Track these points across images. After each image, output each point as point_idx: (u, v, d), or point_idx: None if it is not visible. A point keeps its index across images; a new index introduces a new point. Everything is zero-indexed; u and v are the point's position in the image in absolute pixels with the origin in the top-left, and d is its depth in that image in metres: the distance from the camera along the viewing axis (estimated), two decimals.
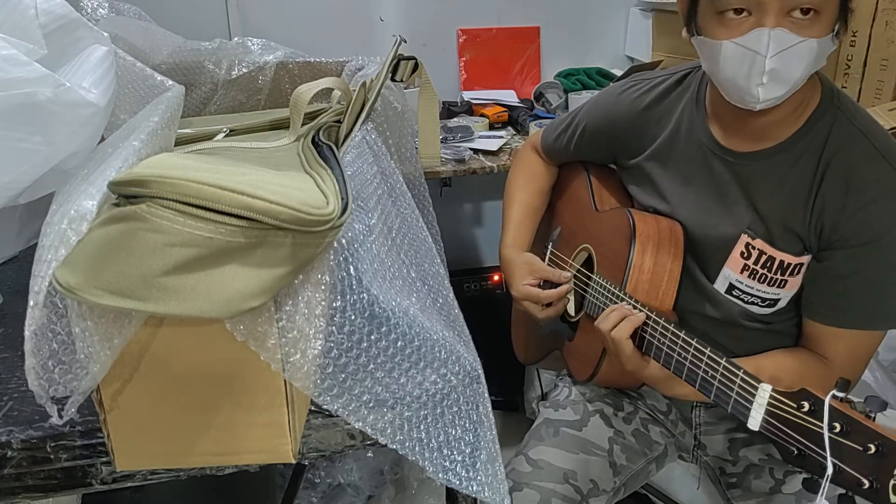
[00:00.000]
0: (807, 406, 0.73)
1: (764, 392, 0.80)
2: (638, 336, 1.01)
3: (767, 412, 0.79)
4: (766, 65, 0.89)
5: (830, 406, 0.71)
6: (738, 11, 0.91)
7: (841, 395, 0.71)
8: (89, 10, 1.18)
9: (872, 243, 0.96)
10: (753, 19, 0.90)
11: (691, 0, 0.99)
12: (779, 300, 1.05)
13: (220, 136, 0.88)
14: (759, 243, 1.04)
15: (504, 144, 1.99)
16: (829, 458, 0.69)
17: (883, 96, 1.65)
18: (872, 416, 0.69)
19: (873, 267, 0.98)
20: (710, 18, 0.94)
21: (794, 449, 0.75)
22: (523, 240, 1.38)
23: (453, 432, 0.73)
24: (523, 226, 1.39)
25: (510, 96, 2.29)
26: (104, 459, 0.71)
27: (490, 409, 0.76)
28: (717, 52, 0.93)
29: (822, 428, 0.70)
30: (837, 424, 0.70)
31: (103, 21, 1.16)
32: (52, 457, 0.70)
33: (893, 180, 0.95)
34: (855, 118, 1.00)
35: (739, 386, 0.83)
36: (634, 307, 1.03)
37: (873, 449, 0.66)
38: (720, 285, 1.09)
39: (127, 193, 0.55)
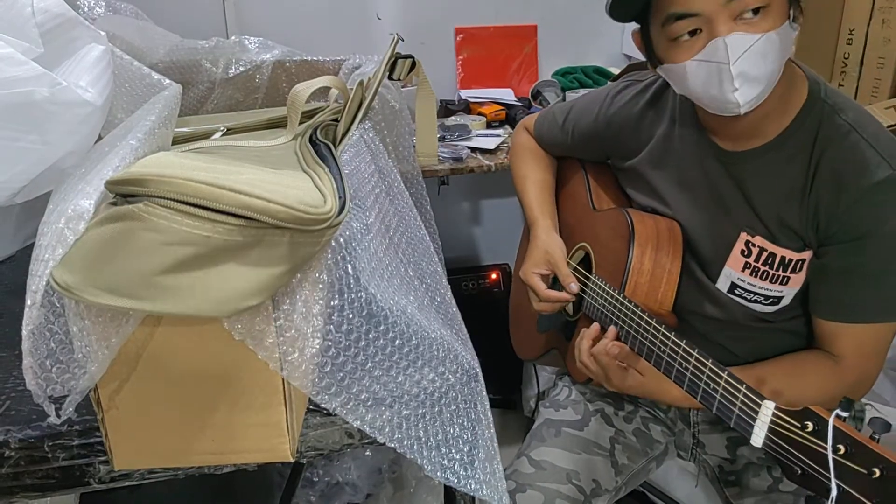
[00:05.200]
0: (811, 426, 0.73)
1: (767, 409, 0.79)
2: (638, 345, 1.01)
3: (770, 430, 0.78)
4: (732, 70, 0.90)
5: (835, 427, 0.70)
6: (691, 33, 0.93)
7: (845, 414, 0.70)
8: (86, 9, 1.18)
9: (869, 236, 0.96)
10: (705, 34, 0.91)
11: (644, 36, 1.01)
12: (782, 297, 1.05)
13: (218, 134, 0.88)
14: (759, 240, 1.04)
15: (502, 143, 1.99)
16: (833, 480, 0.69)
17: (880, 94, 1.65)
18: (877, 438, 0.69)
19: (872, 260, 0.98)
20: (667, 46, 0.96)
21: (798, 468, 0.74)
22: (552, 217, 1.34)
23: (451, 430, 0.73)
24: (546, 202, 1.36)
25: (508, 95, 2.28)
26: (102, 459, 0.71)
27: (488, 407, 0.76)
28: (683, 73, 0.95)
29: (826, 449, 0.70)
30: (842, 446, 0.69)
31: (100, 20, 1.16)
32: (49, 456, 0.70)
33: (884, 171, 0.95)
34: (843, 111, 0.99)
35: (742, 402, 0.82)
36: (634, 311, 1.02)
37: (878, 472, 0.66)
38: (722, 284, 1.09)
39: (124, 192, 0.55)
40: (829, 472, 0.69)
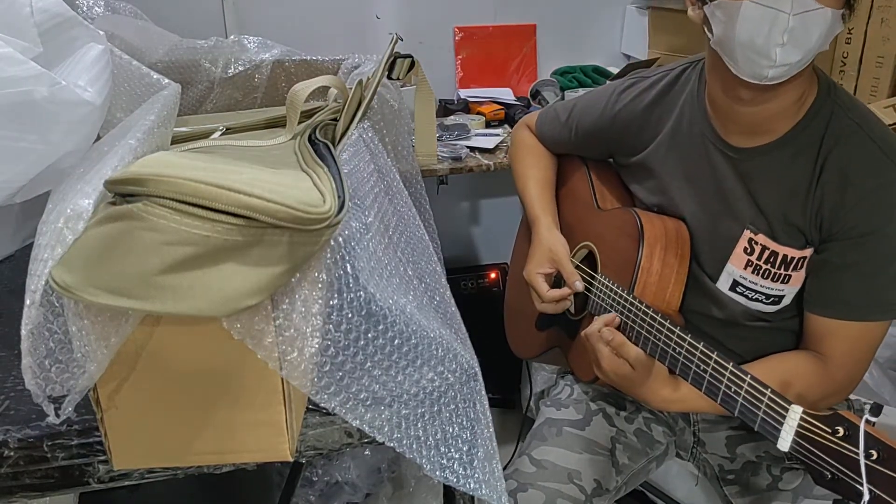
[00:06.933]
0: (842, 431, 0.73)
1: (794, 414, 0.78)
2: (651, 346, 0.99)
3: (798, 434, 0.78)
4: (788, 22, 0.88)
5: (866, 432, 0.70)
6: None
7: (874, 420, 0.70)
8: (85, 9, 1.18)
9: (871, 235, 0.97)
10: None
11: None
12: (783, 297, 1.05)
13: (217, 134, 0.88)
14: (761, 238, 1.04)
15: (501, 142, 1.99)
16: (865, 485, 0.69)
17: (879, 93, 1.65)
18: None
19: (872, 258, 0.98)
20: None
21: (828, 473, 0.74)
22: (553, 215, 1.34)
23: (450, 430, 0.73)
24: (548, 200, 1.36)
25: (507, 94, 2.28)
26: (101, 458, 0.71)
27: (487, 406, 0.76)
28: (736, 13, 0.92)
29: (857, 454, 0.70)
30: (874, 451, 0.69)
31: (99, 19, 1.16)
32: (48, 456, 0.70)
33: (890, 171, 0.96)
34: (851, 111, 1.00)
35: (767, 405, 0.82)
36: (647, 311, 1.01)
37: None
38: (723, 283, 1.09)
39: (123, 192, 0.55)
40: (860, 477, 0.69)
